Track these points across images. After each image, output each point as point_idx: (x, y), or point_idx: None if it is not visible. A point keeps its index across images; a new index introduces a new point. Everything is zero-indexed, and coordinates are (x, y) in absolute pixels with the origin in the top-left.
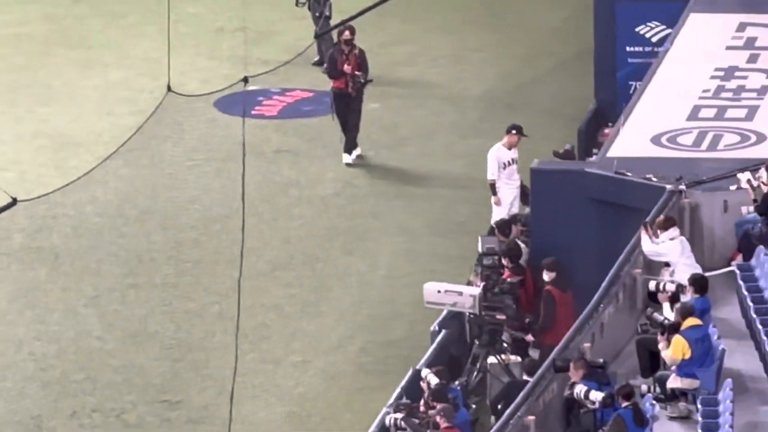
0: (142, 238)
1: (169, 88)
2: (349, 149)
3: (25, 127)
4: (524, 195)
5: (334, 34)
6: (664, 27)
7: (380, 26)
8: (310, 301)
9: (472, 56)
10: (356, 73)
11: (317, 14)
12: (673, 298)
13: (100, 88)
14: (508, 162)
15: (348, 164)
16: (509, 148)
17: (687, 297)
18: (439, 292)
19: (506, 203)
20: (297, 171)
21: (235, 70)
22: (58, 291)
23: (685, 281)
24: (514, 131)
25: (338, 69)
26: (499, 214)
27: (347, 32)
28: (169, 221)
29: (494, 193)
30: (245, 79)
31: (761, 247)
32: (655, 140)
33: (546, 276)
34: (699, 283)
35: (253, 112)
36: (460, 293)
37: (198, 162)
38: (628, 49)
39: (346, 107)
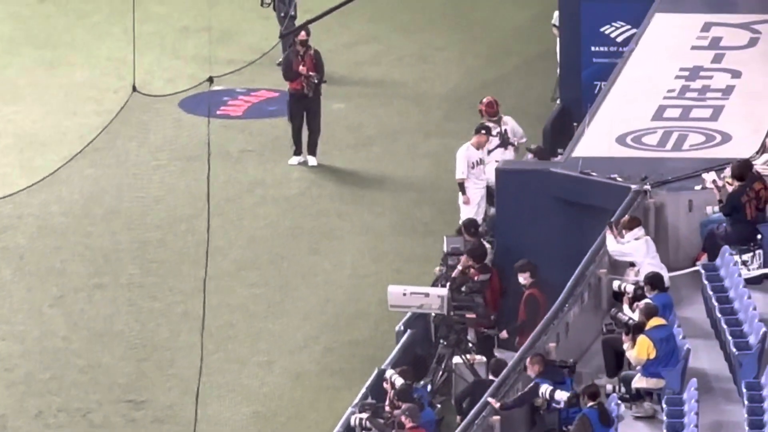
0: (107, 238)
1: (134, 88)
2: (313, 151)
3: None
4: (489, 195)
5: None
6: (629, 27)
7: (345, 26)
8: (276, 301)
9: (437, 55)
10: (310, 74)
11: (282, 14)
12: (634, 299)
13: (66, 88)
14: (477, 161)
15: (313, 166)
16: (478, 148)
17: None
18: (404, 294)
19: (474, 202)
20: (262, 171)
21: (201, 70)
22: (23, 291)
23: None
24: (483, 131)
25: (294, 70)
26: (467, 213)
27: (302, 33)
28: (134, 221)
29: (463, 192)
30: (210, 79)
31: (726, 246)
32: (620, 140)
33: (522, 279)
34: (654, 281)
35: (218, 112)
36: (427, 294)
37: (163, 162)
38: (593, 48)
39: (304, 109)
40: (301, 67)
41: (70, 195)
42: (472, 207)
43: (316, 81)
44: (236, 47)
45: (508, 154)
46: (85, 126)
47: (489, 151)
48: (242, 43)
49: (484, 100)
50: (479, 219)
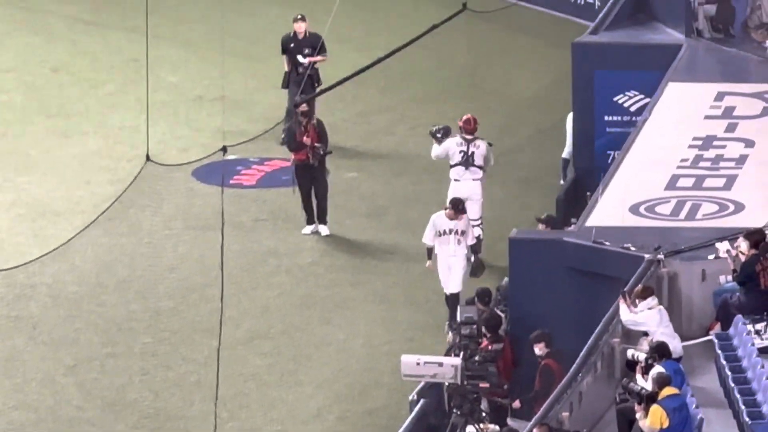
0: (120, 307)
1: (147, 157)
2: (323, 219)
3: (3, 196)
4: (476, 267)
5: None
6: (642, 96)
7: (359, 96)
8: (289, 370)
9: (451, 125)
10: (316, 144)
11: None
12: (647, 368)
13: (79, 157)
14: (445, 231)
15: (326, 235)
16: (450, 219)
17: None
18: (417, 364)
19: (441, 271)
20: (275, 240)
21: (214, 139)
22: (36, 360)
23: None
24: (449, 206)
25: (297, 141)
26: (442, 277)
27: (304, 104)
28: (147, 290)
29: (429, 257)
30: (224, 149)
31: (739, 316)
32: (634, 209)
33: (537, 349)
34: (660, 350)
35: (231, 182)
36: (440, 364)
37: (177, 231)
38: (606, 118)
39: (311, 178)
40: (305, 138)
41: (83, 264)
42: (443, 273)
43: (322, 152)
44: (249, 116)
45: (468, 175)
46: (98, 195)
47: (451, 167)
48: (255, 113)
49: (463, 117)
50: (455, 286)
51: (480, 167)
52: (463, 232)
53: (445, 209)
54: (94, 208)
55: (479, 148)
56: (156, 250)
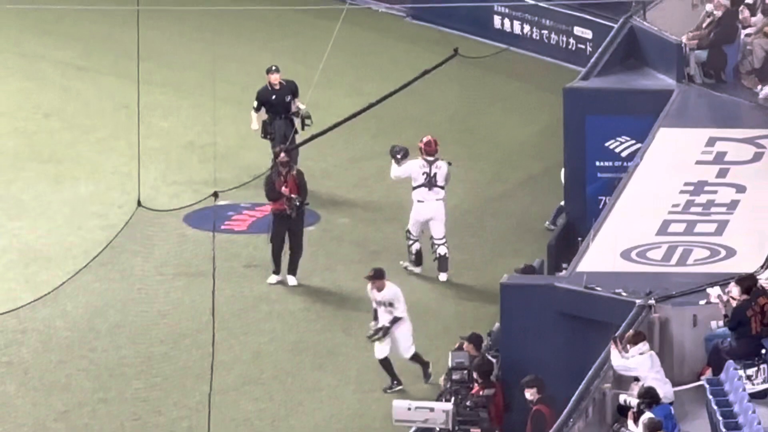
0: (112, 353)
1: (139, 203)
2: (293, 271)
3: None
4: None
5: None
6: (633, 141)
7: (350, 141)
8: (281, 416)
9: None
10: (292, 195)
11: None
12: (638, 414)
13: (71, 202)
14: (377, 303)
15: (293, 286)
16: (378, 290)
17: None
18: (409, 409)
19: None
20: (267, 286)
21: (205, 185)
22: (27, 405)
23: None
24: (372, 274)
25: (276, 191)
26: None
27: (282, 154)
28: (139, 335)
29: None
30: (215, 194)
31: (731, 361)
32: (625, 255)
33: (528, 394)
34: (649, 395)
35: (222, 227)
36: (432, 409)
37: (168, 276)
38: (597, 163)
39: (286, 229)
40: (284, 189)
41: (74, 309)
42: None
43: (298, 203)
44: (241, 162)
45: (431, 195)
46: (89, 241)
47: (414, 188)
48: (247, 159)
49: (424, 139)
50: (380, 353)
51: (442, 187)
52: (390, 303)
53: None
54: (86, 253)
55: (441, 169)
56: (148, 295)
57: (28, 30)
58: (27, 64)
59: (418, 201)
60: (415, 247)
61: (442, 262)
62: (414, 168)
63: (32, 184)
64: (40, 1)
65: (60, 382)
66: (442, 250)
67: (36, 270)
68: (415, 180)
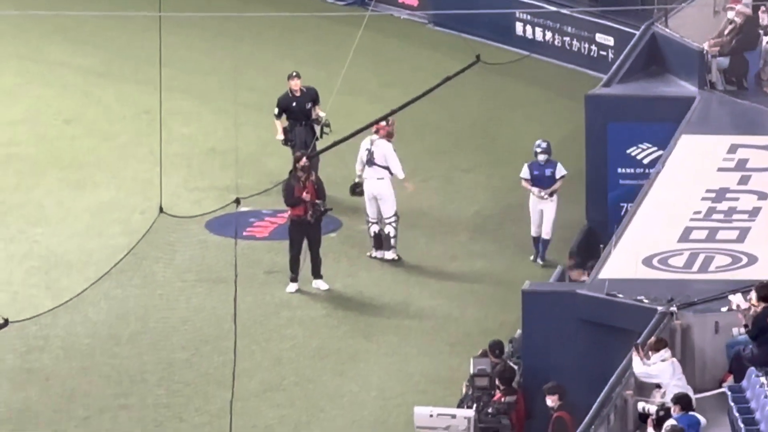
0: (133, 359)
1: (161, 209)
2: (318, 274)
3: (17, 247)
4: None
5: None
6: (655, 148)
7: None
8: (302, 422)
9: (463, 177)
10: (316, 201)
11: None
12: (659, 421)
13: (92, 209)
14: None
15: (327, 290)
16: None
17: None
18: (430, 416)
19: None
20: (288, 292)
21: (227, 191)
22: (49, 412)
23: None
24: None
25: (295, 196)
26: None
27: (304, 159)
28: (160, 342)
29: None
30: (237, 201)
31: (752, 368)
32: (647, 262)
33: (550, 401)
34: (683, 401)
35: (244, 234)
36: (453, 416)
37: (190, 283)
38: (619, 170)
39: (305, 235)
40: (304, 194)
41: (96, 316)
42: None
43: (321, 210)
44: (263, 168)
45: (372, 173)
46: (111, 247)
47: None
48: (269, 165)
49: (382, 124)
50: None
51: (383, 167)
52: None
53: None
54: (107, 259)
55: (378, 147)
56: (169, 302)
57: (49, 36)
58: (47, 70)
59: (365, 179)
60: (373, 229)
61: (386, 241)
62: (361, 147)
63: (53, 190)
64: (60, 7)
65: (81, 388)
66: (387, 229)
67: (57, 276)
68: (361, 159)
